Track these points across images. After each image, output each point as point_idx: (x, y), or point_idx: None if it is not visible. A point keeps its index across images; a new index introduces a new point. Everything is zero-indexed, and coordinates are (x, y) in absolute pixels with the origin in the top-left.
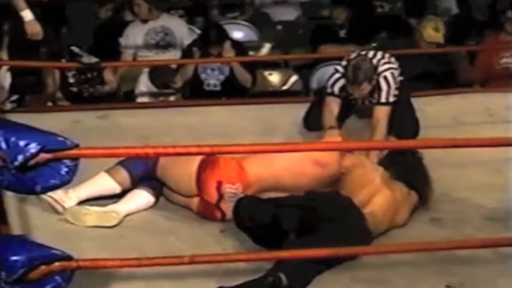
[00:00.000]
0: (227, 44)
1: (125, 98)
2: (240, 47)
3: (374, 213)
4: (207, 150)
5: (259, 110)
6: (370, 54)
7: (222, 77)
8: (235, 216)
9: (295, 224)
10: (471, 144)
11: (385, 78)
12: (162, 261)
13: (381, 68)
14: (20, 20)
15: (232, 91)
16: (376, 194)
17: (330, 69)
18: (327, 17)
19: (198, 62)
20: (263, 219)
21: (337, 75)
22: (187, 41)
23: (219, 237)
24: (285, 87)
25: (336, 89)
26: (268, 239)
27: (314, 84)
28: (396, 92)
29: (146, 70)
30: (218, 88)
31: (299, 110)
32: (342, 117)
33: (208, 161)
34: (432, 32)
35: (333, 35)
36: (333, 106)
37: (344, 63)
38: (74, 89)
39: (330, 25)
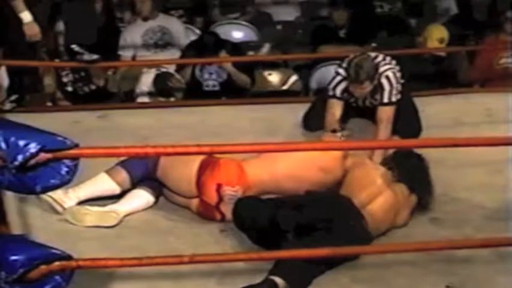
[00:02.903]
0: (222, 54)
1: (124, 98)
2: (237, 51)
3: (374, 214)
4: (207, 149)
5: (259, 110)
6: (372, 54)
7: (220, 80)
8: (234, 217)
9: (294, 224)
10: (471, 144)
11: (387, 77)
12: (162, 261)
13: (381, 69)
14: (18, 20)
15: (231, 91)
16: (377, 195)
17: (329, 69)
18: (326, 17)
19: (196, 62)
20: (262, 219)
21: (339, 77)
22: (184, 40)
23: (219, 237)
24: (284, 87)
25: (338, 91)
26: (267, 239)
27: (314, 84)
28: (399, 91)
29: (146, 70)
30: (217, 88)
31: (299, 110)
32: (344, 119)
33: (209, 162)
34: (437, 43)
35: (333, 35)
36: (336, 109)
37: (345, 64)
38: (69, 88)
39: (330, 25)
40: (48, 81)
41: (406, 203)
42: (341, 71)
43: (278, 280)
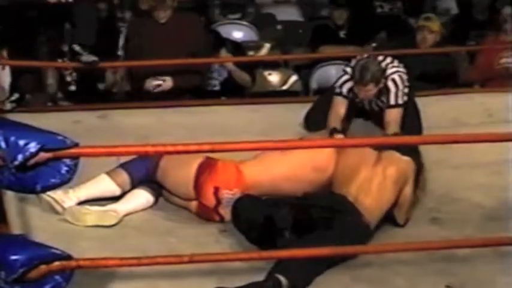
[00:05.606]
0: (223, 52)
1: (125, 98)
2: (238, 50)
3: (368, 206)
4: (207, 148)
5: (259, 110)
6: (380, 57)
7: (221, 78)
8: (233, 216)
9: (290, 223)
10: (470, 140)
11: (393, 80)
12: (162, 261)
13: (389, 71)
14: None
15: (231, 91)
16: (366, 183)
17: (329, 69)
18: (326, 17)
19: (196, 62)
20: (258, 217)
21: (346, 76)
22: None
23: (219, 237)
24: (284, 87)
25: (345, 90)
26: (264, 238)
27: (314, 84)
28: (405, 94)
29: None
30: (217, 88)
31: (299, 110)
32: (348, 119)
33: (207, 164)
34: (428, 34)
35: (333, 35)
36: (340, 107)
37: (352, 63)
38: (72, 88)
39: (330, 25)
40: (49, 81)
41: (400, 171)
42: (349, 69)
43: (281, 278)
